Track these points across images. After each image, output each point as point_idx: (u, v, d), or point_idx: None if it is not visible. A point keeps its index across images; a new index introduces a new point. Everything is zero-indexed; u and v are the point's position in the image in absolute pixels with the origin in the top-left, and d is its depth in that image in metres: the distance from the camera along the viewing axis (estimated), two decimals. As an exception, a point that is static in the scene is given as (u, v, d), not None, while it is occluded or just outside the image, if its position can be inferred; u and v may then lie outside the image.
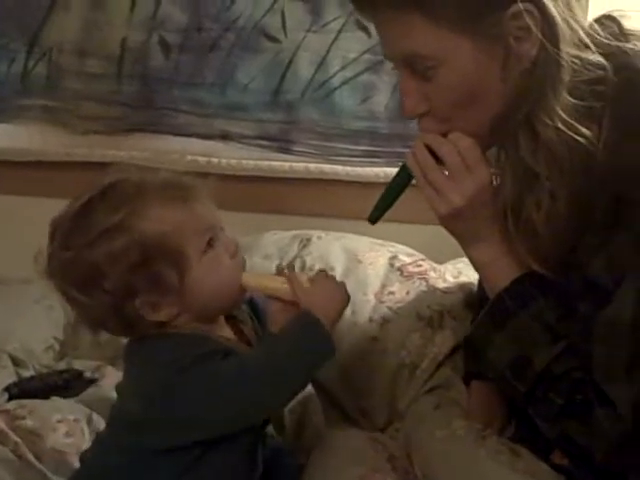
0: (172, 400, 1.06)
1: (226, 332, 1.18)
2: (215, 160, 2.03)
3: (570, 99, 1.07)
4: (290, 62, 2.00)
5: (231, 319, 1.21)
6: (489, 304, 1.18)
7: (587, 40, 1.08)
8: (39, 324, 1.80)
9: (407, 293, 1.59)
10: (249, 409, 1.08)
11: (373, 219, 1.26)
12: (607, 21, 1.16)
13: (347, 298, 1.17)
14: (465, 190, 1.14)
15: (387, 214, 1.71)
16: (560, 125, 1.07)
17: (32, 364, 1.69)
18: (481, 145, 1.15)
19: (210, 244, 1.13)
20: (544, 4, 1.05)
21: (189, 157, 2.03)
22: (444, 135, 1.15)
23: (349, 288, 1.59)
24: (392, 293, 1.60)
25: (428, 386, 1.42)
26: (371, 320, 1.56)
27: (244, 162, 2.03)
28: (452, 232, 1.20)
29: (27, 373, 1.66)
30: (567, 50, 1.06)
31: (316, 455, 1.27)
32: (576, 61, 1.07)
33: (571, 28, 1.07)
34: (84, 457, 1.21)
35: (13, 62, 2.06)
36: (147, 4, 2.01)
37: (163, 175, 1.15)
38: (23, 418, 1.37)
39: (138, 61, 2.03)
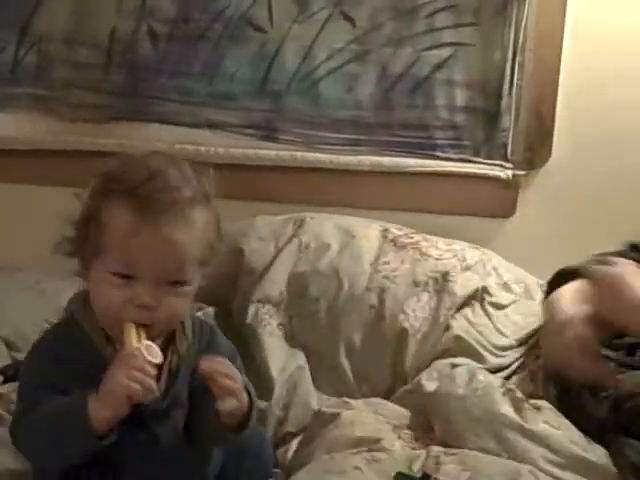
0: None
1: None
2: (202, 148, 2.06)
3: None
4: (276, 52, 2.04)
5: None
6: None
7: None
8: (31, 309, 1.83)
9: (402, 262, 1.66)
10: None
11: None
12: None
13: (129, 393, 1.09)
14: None
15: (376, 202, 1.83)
16: None
17: (26, 348, 1.72)
18: None
19: (121, 276, 1.13)
20: None
21: (177, 146, 2.06)
22: None
23: (345, 262, 1.70)
24: (387, 263, 1.67)
25: (439, 350, 1.49)
26: (368, 289, 1.63)
27: (231, 150, 2.07)
28: None
29: (21, 356, 1.69)
30: None
31: None
32: None
33: None
34: None
35: (3, 51, 2.08)
36: (136, -6, 2.04)
37: (173, 196, 1.14)
38: (19, 402, 1.41)
39: (127, 50, 2.07)
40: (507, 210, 2.05)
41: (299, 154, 2.07)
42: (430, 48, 2.00)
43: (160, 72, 2.07)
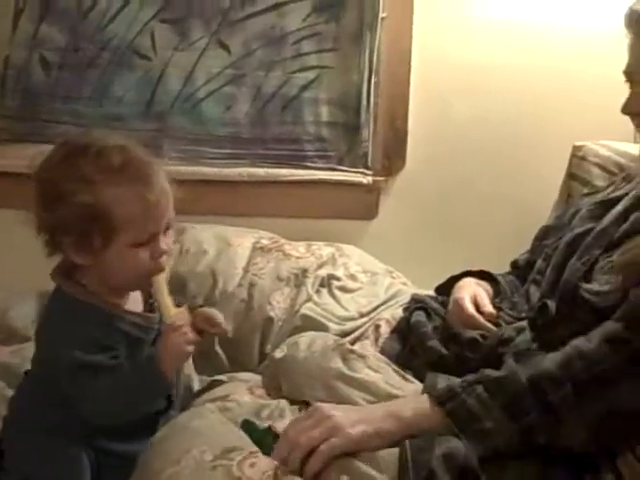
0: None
1: (136, 301, 1.41)
2: (94, 166, 2.23)
3: None
4: (160, 77, 2.24)
5: None
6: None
7: None
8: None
9: (268, 262, 1.92)
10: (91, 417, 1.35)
11: None
12: None
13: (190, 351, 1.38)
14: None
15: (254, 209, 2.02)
16: None
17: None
18: None
19: (140, 245, 1.32)
20: None
21: (70, 163, 2.23)
22: None
23: (221, 265, 1.93)
24: (256, 264, 1.91)
25: (291, 327, 1.75)
26: (240, 285, 1.87)
27: (122, 167, 2.25)
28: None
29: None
30: None
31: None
32: None
33: None
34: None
35: None
36: (28, 25, 2.20)
37: (145, 168, 1.33)
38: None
39: (21, 77, 2.22)
40: (370, 212, 2.32)
41: (184, 168, 2.23)
42: (297, 71, 2.24)
43: (53, 97, 2.23)
